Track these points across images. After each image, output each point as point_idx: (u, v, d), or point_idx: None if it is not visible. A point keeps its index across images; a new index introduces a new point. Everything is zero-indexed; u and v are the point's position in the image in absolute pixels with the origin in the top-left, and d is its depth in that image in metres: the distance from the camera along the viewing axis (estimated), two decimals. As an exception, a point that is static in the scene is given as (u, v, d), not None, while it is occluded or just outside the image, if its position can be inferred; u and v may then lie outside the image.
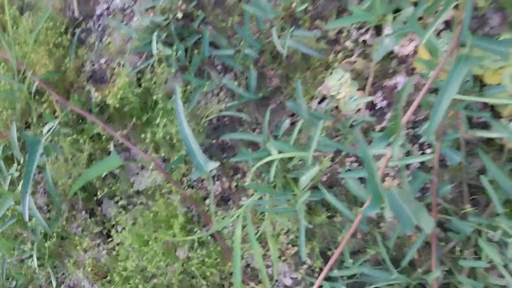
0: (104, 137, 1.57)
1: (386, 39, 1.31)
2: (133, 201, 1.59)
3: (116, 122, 1.60)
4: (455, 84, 1.06)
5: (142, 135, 1.50)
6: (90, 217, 1.63)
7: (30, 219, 1.41)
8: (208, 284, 1.46)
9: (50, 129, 1.44)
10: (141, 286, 1.45)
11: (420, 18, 1.44)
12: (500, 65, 1.38)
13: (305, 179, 1.27)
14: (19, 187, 1.48)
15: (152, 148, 1.52)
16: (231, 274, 1.48)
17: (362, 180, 1.41)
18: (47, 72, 1.67)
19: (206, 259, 1.43)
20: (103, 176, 1.59)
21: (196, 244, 1.47)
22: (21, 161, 1.55)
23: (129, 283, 1.49)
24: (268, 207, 1.35)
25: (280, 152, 1.36)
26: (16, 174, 1.50)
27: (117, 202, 1.61)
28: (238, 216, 1.22)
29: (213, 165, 1.33)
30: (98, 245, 1.62)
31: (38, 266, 1.61)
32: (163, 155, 1.53)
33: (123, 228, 1.56)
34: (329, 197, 1.35)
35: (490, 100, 1.34)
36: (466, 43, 1.31)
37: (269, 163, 1.38)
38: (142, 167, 1.59)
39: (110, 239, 1.61)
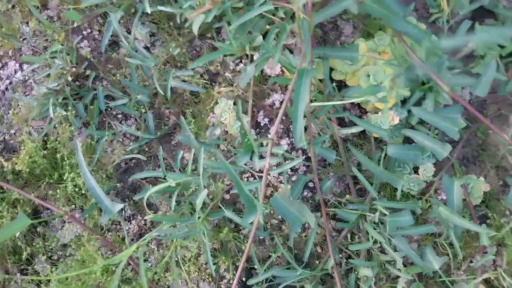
0: (22, 200, 1.68)
1: (248, 66, 1.49)
2: (62, 255, 1.69)
3: (32, 185, 1.71)
4: (303, 94, 1.20)
5: (57, 191, 1.63)
6: (23, 278, 1.72)
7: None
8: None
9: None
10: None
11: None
12: (354, 69, 1.58)
13: (199, 201, 1.42)
14: None
15: (66, 202, 1.64)
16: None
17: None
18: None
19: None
20: (30, 235, 1.69)
21: (121, 284, 1.58)
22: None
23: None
24: (176, 234, 1.47)
25: (177, 182, 1.51)
26: None
27: (48, 257, 1.71)
28: (137, 248, 1.34)
29: (119, 206, 1.45)
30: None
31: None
32: (80, 206, 1.66)
33: (49, 281, 1.66)
34: (227, 213, 1.49)
35: (349, 101, 1.53)
36: (320, 54, 1.51)
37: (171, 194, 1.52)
38: (64, 222, 1.70)
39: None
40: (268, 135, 1.65)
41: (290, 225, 1.49)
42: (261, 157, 1.32)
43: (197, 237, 1.52)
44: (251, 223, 1.30)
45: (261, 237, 1.63)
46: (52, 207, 1.58)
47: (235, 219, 1.48)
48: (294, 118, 1.23)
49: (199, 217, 1.46)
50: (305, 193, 1.63)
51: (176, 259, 1.61)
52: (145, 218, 1.65)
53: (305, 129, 1.51)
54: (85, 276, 1.59)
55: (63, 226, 1.72)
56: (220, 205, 1.53)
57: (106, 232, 1.67)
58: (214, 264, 1.62)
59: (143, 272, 1.24)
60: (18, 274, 1.75)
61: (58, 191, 1.64)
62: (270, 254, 1.60)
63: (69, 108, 1.65)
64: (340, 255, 1.56)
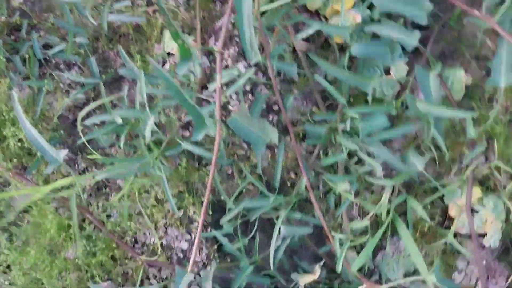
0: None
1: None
2: (21, 225, 1.55)
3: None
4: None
5: None
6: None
7: None
8: (105, 272, 1.42)
9: None
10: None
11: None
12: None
13: (147, 131, 1.26)
14: None
15: (11, 162, 1.49)
16: (126, 258, 1.45)
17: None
18: None
19: (94, 248, 1.40)
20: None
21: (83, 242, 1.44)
22: None
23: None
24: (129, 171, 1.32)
25: (123, 117, 1.36)
26: None
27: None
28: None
29: (63, 153, 1.30)
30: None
31: None
32: (26, 165, 1.51)
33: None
34: (185, 145, 1.33)
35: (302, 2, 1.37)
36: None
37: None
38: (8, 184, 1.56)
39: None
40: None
41: (253, 147, 1.33)
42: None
43: (156, 178, 1.37)
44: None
45: (229, 172, 1.47)
46: (-6, 168, 1.44)
47: (194, 151, 1.33)
48: (240, 26, 1.07)
49: (150, 149, 1.31)
50: (270, 117, 1.47)
51: (140, 209, 1.46)
52: (97, 170, 1.50)
53: (261, 45, 1.36)
54: (40, 238, 1.45)
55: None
56: (178, 139, 1.37)
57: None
58: (180, 208, 1.47)
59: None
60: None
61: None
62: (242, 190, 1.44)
63: (2, 60, 1.50)
64: (316, 179, 1.40)
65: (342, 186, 1.28)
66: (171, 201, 1.29)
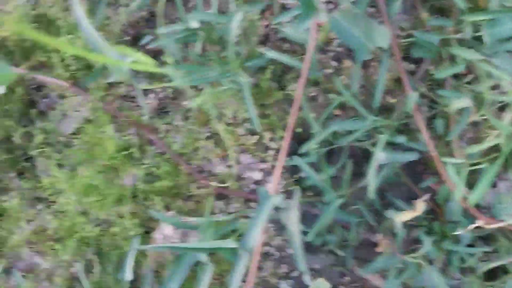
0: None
1: None
2: (65, 149, 1.37)
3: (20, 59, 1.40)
4: None
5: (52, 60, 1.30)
6: (23, 183, 1.41)
7: None
8: (166, 202, 1.24)
9: None
10: (89, 227, 1.22)
11: None
12: None
13: (233, 26, 1.08)
14: None
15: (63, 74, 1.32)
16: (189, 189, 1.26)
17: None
18: None
19: (156, 170, 1.22)
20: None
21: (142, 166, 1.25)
22: None
23: (76, 233, 1.25)
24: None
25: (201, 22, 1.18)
26: None
27: (49, 156, 1.39)
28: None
29: (128, 59, 1.13)
30: (39, 211, 1.39)
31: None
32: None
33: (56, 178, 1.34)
34: (271, 54, 1.14)
35: None
36: None
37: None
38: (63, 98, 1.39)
39: (50, 202, 1.38)
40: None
41: (356, 53, 1.14)
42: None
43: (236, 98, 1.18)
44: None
45: (313, 94, 1.28)
46: (50, 79, 1.27)
47: (283, 60, 1.14)
48: None
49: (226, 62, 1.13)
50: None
51: (209, 132, 1.28)
52: (165, 85, 1.32)
53: None
54: (94, 161, 1.27)
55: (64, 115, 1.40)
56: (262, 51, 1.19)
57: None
58: (255, 134, 1.28)
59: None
60: (15, 179, 1.44)
61: (53, 57, 1.31)
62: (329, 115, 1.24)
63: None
64: (421, 101, 1.20)
65: (458, 103, 1.08)
66: (254, 116, 1.10)
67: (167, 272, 1.22)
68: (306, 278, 1.02)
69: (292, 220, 1.03)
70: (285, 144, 1.04)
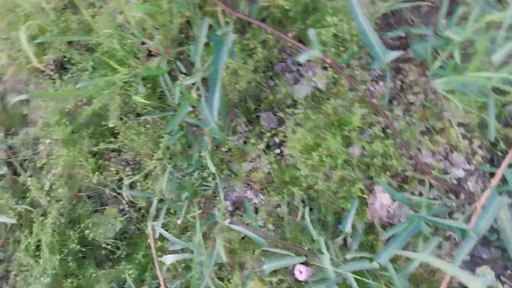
0: (270, 43, 1.65)
1: None
2: (292, 112, 1.65)
3: (281, 29, 1.66)
4: None
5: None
6: (250, 131, 1.72)
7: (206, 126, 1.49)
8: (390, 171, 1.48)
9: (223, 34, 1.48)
10: (321, 183, 1.50)
11: None
12: None
13: None
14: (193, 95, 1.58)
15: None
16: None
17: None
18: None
19: (386, 149, 1.46)
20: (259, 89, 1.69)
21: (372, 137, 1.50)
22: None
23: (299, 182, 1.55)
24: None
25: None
26: (187, 82, 1.58)
27: (275, 114, 1.69)
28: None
29: (392, 54, 1.32)
30: (259, 156, 1.70)
31: (202, 178, 1.71)
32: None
33: (285, 136, 1.64)
34: None
35: None
36: None
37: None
38: (300, 75, 1.66)
39: (270, 151, 1.69)
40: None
41: None
42: None
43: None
44: None
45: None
46: (308, 49, 1.53)
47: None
48: None
49: None
50: None
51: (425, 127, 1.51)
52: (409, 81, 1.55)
53: None
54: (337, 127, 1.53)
55: (297, 80, 1.68)
56: None
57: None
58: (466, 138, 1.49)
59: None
60: (244, 125, 1.76)
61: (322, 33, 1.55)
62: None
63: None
64: None
65: None
66: (493, 125, 1.30)
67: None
68: None
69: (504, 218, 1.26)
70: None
